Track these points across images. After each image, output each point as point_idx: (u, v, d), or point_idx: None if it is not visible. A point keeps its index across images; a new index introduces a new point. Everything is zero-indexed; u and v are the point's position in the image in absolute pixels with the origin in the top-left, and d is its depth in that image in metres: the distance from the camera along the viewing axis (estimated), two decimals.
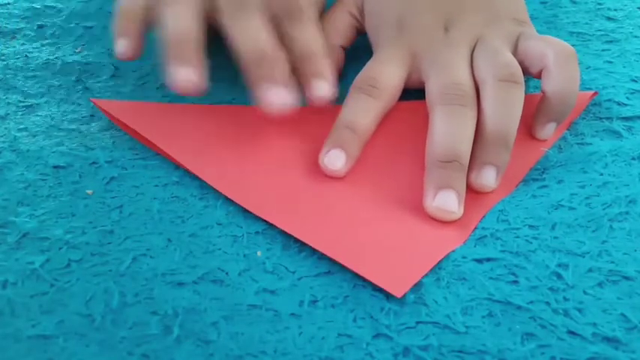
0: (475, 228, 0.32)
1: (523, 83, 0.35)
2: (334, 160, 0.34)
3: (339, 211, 0.33)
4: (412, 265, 0.30)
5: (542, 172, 0.35)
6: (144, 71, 0.43)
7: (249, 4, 0.36)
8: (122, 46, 0.37)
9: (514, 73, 0.35)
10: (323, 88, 0.35)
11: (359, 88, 0.36)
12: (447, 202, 0.32)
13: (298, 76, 0.35)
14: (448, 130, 0.33)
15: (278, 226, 0.32)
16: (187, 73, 0.33)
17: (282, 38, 0.36)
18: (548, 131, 0.36)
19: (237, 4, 0.36)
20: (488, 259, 0.30)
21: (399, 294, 0.28)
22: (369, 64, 0.38)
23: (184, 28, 0.35)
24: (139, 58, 0.37)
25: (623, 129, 0.37)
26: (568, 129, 0.37)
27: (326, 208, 0.33)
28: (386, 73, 0.37)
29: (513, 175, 0.34)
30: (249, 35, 0.35)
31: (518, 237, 0.31)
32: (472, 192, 0.33)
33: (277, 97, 0.33)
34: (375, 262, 0.30)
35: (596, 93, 0.39)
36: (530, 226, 0.32)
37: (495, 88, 0.34)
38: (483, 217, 0.32)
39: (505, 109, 0.34)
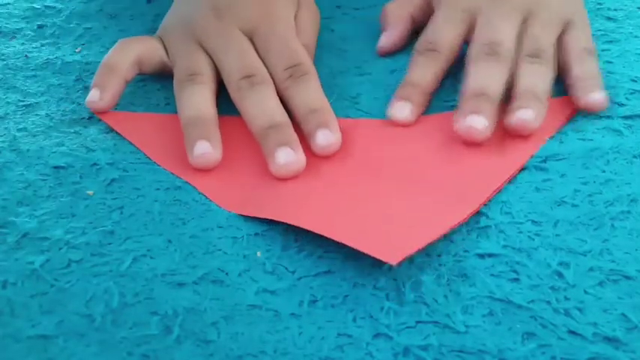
0: (477, 212, 0.32)
1: (551, 64, 0.38)
2: (400, 109, 0.37)
3: (333, 192, 0.33)
4: (410, 235, 0.30)
5: (544, 161, 0.35)
6: None
7: (257, 79, 0.37)
8: (94, 96, 0.39)
9: (544, 53, 0.38)
10: (327, 136, 0.35)
11: (421, 52, 0.39)
12: (477, 121, 0.35)
13: (304, 132, 0.36)
14: (480, 75, 0.37)
15: (270, 217, 0.32)
16: (205, 147, 0.35)
17: (289, 98, 0.37)
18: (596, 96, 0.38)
19: (247, 83, 0.37)
20: (490, 255, 0.30)
21: (393, 261, 0.28)
22: (428, 26, 0.41)
23: (201, 110, 0.37)
24: (109, 109, 0.39)
25: (623, 127, 0.37)
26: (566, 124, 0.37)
27: (318, 192, 0.33)
28: (445, 33, 0.40)
29: (514, 161, 0.34)
30: (259, 108, 0.36)
31: (521, 232, 0.31)
32: (478, 169, 0.34)
33: (286, 157, 0.34)
34: (369, 234, 0.30)
35: None
36: (534, 222, 0.32)
37: (526, 62, 0.38)
38: (485, 203, 0.32)
39: (536, 75, 0.37)
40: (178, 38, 0.40)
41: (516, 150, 0.35)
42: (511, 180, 0.34)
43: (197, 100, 0.37)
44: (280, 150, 0.34)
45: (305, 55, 0.39)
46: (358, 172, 0.35)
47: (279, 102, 0.37)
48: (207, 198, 0.34)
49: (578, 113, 0.38)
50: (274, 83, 0.38)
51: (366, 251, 0.29)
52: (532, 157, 0.35)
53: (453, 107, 0.39)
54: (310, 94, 0.37)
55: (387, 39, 0.43)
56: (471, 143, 0.35)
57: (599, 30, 0.45)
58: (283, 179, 0.34)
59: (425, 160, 0.35)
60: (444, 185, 0.33)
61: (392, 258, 0.28)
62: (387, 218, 0.31)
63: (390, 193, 0.33)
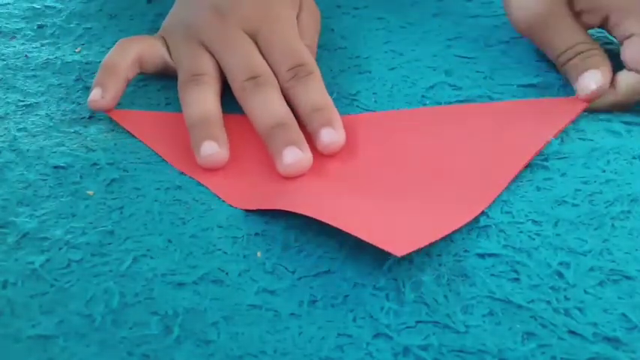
0: (481, 213, 0.32)
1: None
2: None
3: (340, 187, 0.33)
4: (416, 230, 0.30)
5: (546, 160, 0.35)
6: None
7: (262, 80, 0.37)
8: (96, 94, 0.39)
9: None
10: (331, 134, 0.35)
11: None
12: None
13: (309, 131, 0.36)
14: None
15: (279, 207, 0.32)
16: (213, 147, 0.35)
17: (293, 98, 0.37)
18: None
19: (252, 83, 0.37)
20: (490, 255, 0.30)
21: (399, 253, 0.28)
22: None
23: (206, 110, 0.37)
24: (111, 109, 0.39)
25: (623, 130, 0.37)
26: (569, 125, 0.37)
27: (325, 187, 0.33)
28: None
29: (520, 158, 0.35)
30: (264, 108, 0.36)
31: (521, 232, 0.31)
32: (484, 166, 0.34)
33: (293, 156, 0.34)
34: (375, 226, 0.30)
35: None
36: (534, 222, 0.32)
37: None
38: (490, 204, 0.33)
39: None
40: (181, 39, 0.40)
41: (521, 147, 0.35)
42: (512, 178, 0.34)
43: (202, 101, 0.37)
44: (287, 149, 0.34)
45: (308, 55, 0.39)
46: (364, 169, 0.35)
47: (284, 102, 0.37)
48: (207, 198, 0.34)
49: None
50: (278, 83, 0.38)
51: (371, 241, 0.29)
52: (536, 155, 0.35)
53: (449, 103, 0.39)
54: (314, 94, 0.37)
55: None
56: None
57: (600, 31, 0.45)
58: (291, 178, 0.34)
59: (429, 157, 0.35)
60: (450, 183, 0.33)
61: (397, 250, 0.28)
62: (394, 212, 0.31)
63: (397, 189, 0.33)
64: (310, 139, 0.36)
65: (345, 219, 0.30)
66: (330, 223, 0.30)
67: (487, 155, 0.35)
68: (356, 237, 0.29)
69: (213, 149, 0.35)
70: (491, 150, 0.35)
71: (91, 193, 0.34)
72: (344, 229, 0.30)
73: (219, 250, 0.31)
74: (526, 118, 0.37)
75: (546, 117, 0.37)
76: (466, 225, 0.32)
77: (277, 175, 0.35)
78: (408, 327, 0.27)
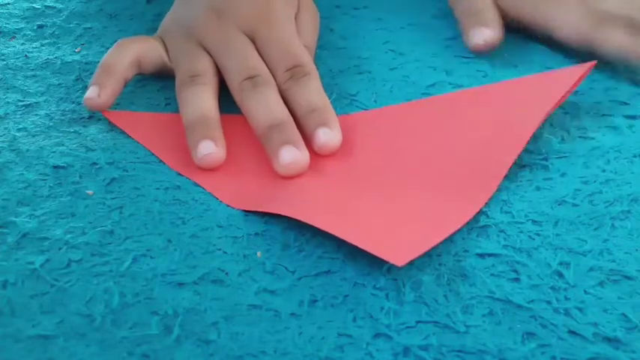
0: (479, 212, 0.32)
1: None
2: None
3: (338, 190, 0.33)
4: (415, 237, 0.30)
5: (546, 159, 0.35)
6: None
7: (259, 80, 0.37)
8: (92, 93, 0.38)
9: None
10: (327, 134, 0.35)
11: None
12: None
13: (305, 131, 0.36)
14: None
15: (278, 212, 0.32)
16: (210, 146, 0.35)
17: (290, 99, 0.37)
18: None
19: (250, 84, 0.37)
20: (490, 255, 0.30)
21: (399, 263, 0.28)
22: None
23: (204, 110, 0.37)
24: (107, 108, 0.39)
25: (625, 126, 0.37)
26: (571, 120, 0.37)
27: (323, 190, 0.33)
28: None
29: (514, 150, 0.34)
30: (261, 109, 0.36)
31: (521, 232, 0.31)
32: (479, 162, 0.34)
33: (290, 156, 0.34)
34: (375, 234, 0.30)
35: (594, 63, 0.38)
36: (534, 222, 0.32)
37: None
38: (488, 200, 0.33)
39: None
40: (179, 39, 0.40)
41: (514, 137, 0.35)
42: (510, 177, 0.34)
43: (199, 101, 0.37)
44: (284, 149, 0.34)
45: (306, 55, 0.39)
46: (361, 169, 0.35)
47: (281, 102, 0.37)
48: (206, 197, 0.34)
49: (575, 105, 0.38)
50: (276, 83, 0.38)
51: (371, 251, 0.29)
52: (532, 152, 0.35)
53: None
54: (311, 95, 0.37)
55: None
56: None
57: None
58: (288, 178, 0.34)
59: (427, 151, 0.35)
60: (449, 178, 0.33)
61: (398, 260, 0.28)
62: (392, 217, 0.31)
63: (395, 192, 0.33)
64: (308, 140, 0.36)
65: (345, 227, 0.30)
66: (330, 231, 0.30)
67: (486, 141, 0.35)
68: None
69: (209, 149, 0.35)
70: (490, 135, 0.35)
71: (90, 192, 0.34)
72: (344, 238, 0.30)
73: (219, 250, 0.31)
74: (522, 95, 0.37)
75: (541, 91, 0.37)
76: (466, 225, 0.32)
77: (275, 175, 0.35)
78: (408, 327, 0.27)
